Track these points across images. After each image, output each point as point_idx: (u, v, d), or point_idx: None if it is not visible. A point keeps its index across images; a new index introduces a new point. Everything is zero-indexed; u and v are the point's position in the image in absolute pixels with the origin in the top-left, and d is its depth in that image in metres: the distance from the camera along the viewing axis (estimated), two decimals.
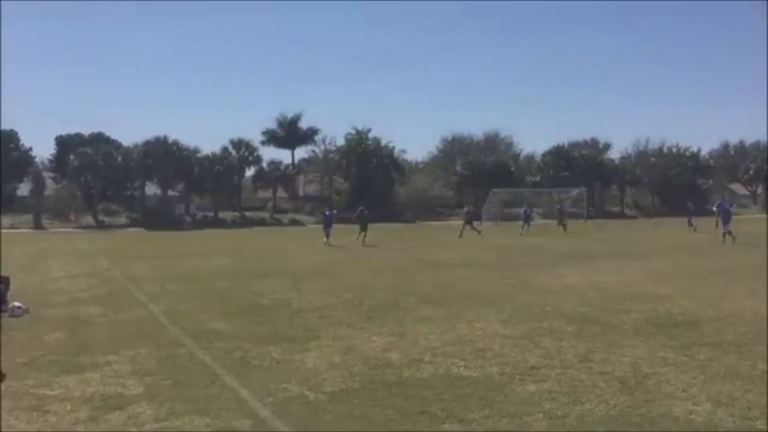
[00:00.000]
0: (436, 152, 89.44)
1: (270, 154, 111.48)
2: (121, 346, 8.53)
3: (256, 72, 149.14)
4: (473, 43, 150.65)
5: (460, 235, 33.84)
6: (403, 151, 74.09)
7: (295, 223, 58.48)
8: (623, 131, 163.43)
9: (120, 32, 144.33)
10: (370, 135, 69.81)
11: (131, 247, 30.10)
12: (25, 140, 70.55)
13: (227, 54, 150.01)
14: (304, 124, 74.95)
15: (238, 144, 68.65)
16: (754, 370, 7.00)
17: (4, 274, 12.05)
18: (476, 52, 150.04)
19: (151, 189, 65.55)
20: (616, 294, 12.65)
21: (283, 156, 77.89)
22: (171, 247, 30.21)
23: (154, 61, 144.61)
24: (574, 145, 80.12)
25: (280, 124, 74.49)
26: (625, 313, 10.57)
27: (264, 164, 70.37)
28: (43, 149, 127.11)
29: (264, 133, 74.16)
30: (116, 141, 71.01)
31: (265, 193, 72.34)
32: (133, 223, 57.50)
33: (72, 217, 56.19)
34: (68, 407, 6.12)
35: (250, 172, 71.12)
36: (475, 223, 36.52)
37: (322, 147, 73.56)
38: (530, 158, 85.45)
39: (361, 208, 32.39)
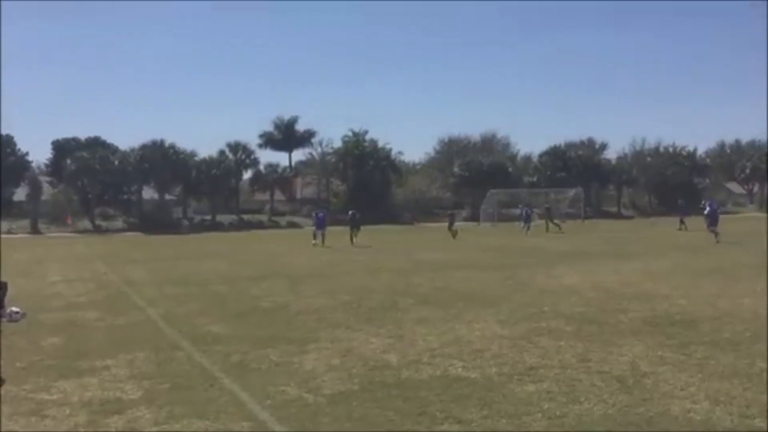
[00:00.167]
0: (433, 153, 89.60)
1: (267, 156, 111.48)
2: (119, 350, 8.52)
3: (252, 75, 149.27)
4: (470, 44, 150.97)
5: (454, 237, 34.01)
6: (400, 152, 74.24)
7: (292, 225, 58.40)
8: (620, 131, 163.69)
9: (116, 35, 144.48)
10: (367, 137, 69.84)
11: (128, 251, 30.06)
12: (22, 145, 70.59)
13: (224, 57, 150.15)
14: (301, 127, 75.06)
15: (235, 147, 68.61)
16: (752, 369, 7.01)
17: (1, 279, 12.02)
18: (473, 53, 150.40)
19: (148, 193, 65.49)
20: (613, 293, 12.67)
21: (281, 159, 78.27)
22: (168, 250, 30.18)
23: (151, 64, 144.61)
24: (571, 146, 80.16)
25: (277, 126, 74.50)
26: (623, 312, 10.58)
27: (261, 167, 70.43)
28: (39, 154, 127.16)
29: (261, 136, 74.25)
30: (113, 145, 70.87)
31: (262, 196, 72.27)
32: (131, 227, 57.41)
33: (69, 221, 56.10)
34: (67, 412, 6.12)
35: (247, 175, 71.14)
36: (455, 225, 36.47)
37: (319, 149, 73.66)
38: (527, 159, 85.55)
39: (352, 211, 33.56)
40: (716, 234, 26.46)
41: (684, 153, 77.60)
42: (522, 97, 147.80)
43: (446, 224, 37.39)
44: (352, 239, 30.38)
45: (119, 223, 59.51)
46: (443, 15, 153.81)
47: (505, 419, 5.64)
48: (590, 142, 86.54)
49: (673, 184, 69.99)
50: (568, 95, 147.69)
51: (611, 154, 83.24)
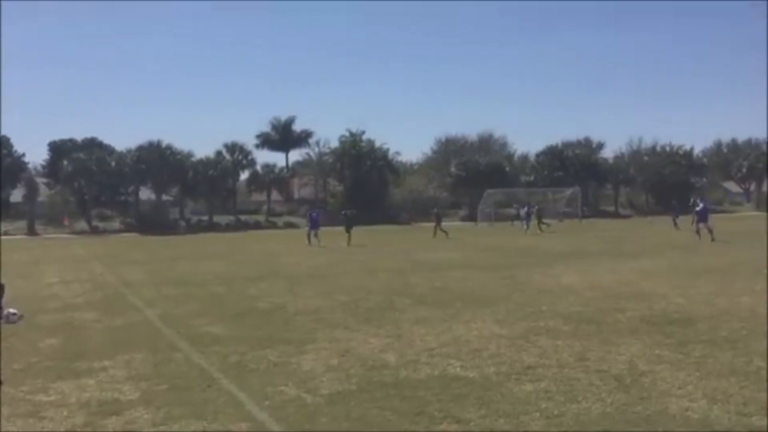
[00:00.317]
0: (430, 153, 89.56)
1: (264, 157, 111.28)
2: (116, 352, 8.51)
3: (249, 75, 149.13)
4: (466, 43, 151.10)
5: (434, 235, 33.93)
6: (397, 152, 74.16)
7: (290, 226, 58.38)
8: (617, 130, 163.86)
9: (113, 36, 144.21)
10: (364, 137, 69.82)
11: (126, 252, 30.02)
12: (18, 146, 70.46)
13: (221, 57, 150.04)
14: (297, 127, 75.03)
15: (232, 148, 68.58)
16: (749, 367, 7.03)
17: None
18: (470, 53, 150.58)
19: (145, 194, 65.40)
20: (611, 293, 12.68)
21: (278, 159, 78.13)
22: (166, 251, 30.15)
23: (148, 64, 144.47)
24: (568, 145, 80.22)
25: (274, 127, 74.47)
26: (621, 311, 10.60)
27: (258, 167, 70.38)
28: (36, 155, 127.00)
29: (258, 137, 74.20)
30: (109, 146, 70.84)
31: (259, 197, 72.20)
32: (128, 228, 57.34)
33: (66, 222, 55.99)
34: (64, 413, 6.11)
35: (244, 175, 71.12)
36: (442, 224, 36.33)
37: (317, 149, 73.66)
38: (524, 158, 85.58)
39: (345, 212, 34.41)
40: (710, 232, 26.52)
41: (681, 152, 77.71)
42: (519, 97, 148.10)
43: (442, 224, 37.23)
44: (348, 240, 30.45)
45: (116, 224, 59.43)
46: (440, 15, 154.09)
47: (503, 418, 5.64)
48: (587, 142, 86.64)
49: (670, 184, 70.09)
50: (565, 94, 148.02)
51: (608, 154, 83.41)
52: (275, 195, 72.73)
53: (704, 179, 78.99)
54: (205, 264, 22.08)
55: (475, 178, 66.15)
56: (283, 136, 74.13)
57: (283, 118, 74.60)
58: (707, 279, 14.48)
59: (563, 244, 27.85)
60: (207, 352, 8.43)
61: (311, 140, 74.44)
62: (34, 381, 7.20)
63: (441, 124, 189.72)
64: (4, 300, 11.57)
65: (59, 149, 72.26)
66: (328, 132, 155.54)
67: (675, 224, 36.06)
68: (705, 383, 6.47)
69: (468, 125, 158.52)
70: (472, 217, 59.43)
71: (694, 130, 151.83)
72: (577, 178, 66.43)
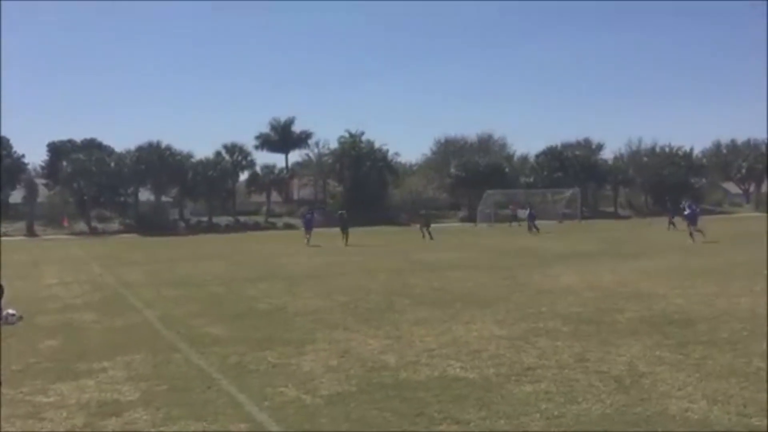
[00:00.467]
0: (429, 154, 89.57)
1: (263, 158, 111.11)
2: (116, 353, 8.50)
3: (248, 76, 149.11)
4: (466, 45, 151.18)
5: (423, 237, 33.71)
6: (396, 153, 74.22)
7: (289, 227, 58.37)
8: (616, 131, 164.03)
9: (112, 37, 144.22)
10: (364, 138, 69.87)
11: (125, 253, 30.02)
12: (18, 147, 70.42)
13: (220, 58, 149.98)
14: (297, 128, 75.01)
15: (232, 148, 68.61)
16: (749, 368, 7.02)
17: None
18: (469, 54, 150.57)
19: (145, 194, 65.39)
20: (610, 293, 12.68)
21: (277, 160, 77.97)
22: (165, 252, 30.14)
23: (147, 65, 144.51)
24: (568, 146, 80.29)
25: (274, 128, 74.45)
26: (620, 312, 10.60)
27: (258, 168, 70.42)
28: (35, 156, 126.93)
29: (257, 138, 74.16)
30: (109, 147, 70.87)
31: (259, 198, 72.24)
32: (127, 229, 57.33)
33: (66, 223, 55.97)
34: (64, 414, 6.10)
35: (243, 176, 71.14)
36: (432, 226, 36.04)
37: (316, 150, 73.74)
38: (524, 159, 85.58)
39: (341, 212, 35.04)
40: (701, 233, 26.78)
41: (680, 153, 77.77)
42: (518, 98, 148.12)
43: (438, 225, 37.38)
44: (344, 240, 30.94)
45: (115, 225, 59.41)
46: (439, 16, 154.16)
47: (503, 419, 5.64)
48: (587, 143, 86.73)
49: (669, 184, 70.14)
50: (565, 96, 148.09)
51: (608, 155, 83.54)
52: (275, 196, 72.78)
53: (704, 180, 79.03)
54: (205, 265, 22.07)
55: (474, 179, 66.19)
56: (282, 137, 74.12)
57: (283, 118, 74.67)
58: (706, 279, 14.48)
59: (562, 244, 27.86)
60: (206, 353, 8.43)
61: (311, 141, 74.58)
62: (34, 382, 7.19)
63: (440, 124, 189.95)
64: (3, 301, 11.56)
65: (59, 150, 72.31)
66: (327, 133, 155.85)
67: (672, 224, 36.10)
68: (705, 384, 6.47)
69: (467, 126, 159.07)
70: (471, 218, 59.43)
71: (694, 130, 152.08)
72: (577, 179, 66.48)
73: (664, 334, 8.79)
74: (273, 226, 59.88)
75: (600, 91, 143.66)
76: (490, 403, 6.06)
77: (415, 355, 7.97)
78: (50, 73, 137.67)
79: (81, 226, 57.49)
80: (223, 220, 62.57)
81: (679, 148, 78.30)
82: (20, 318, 11.19)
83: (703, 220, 27.98)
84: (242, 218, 63.56)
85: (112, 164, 62.53)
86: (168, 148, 64.03)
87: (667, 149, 78.54)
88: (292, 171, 75.57)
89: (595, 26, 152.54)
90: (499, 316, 10.55)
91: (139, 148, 63.36)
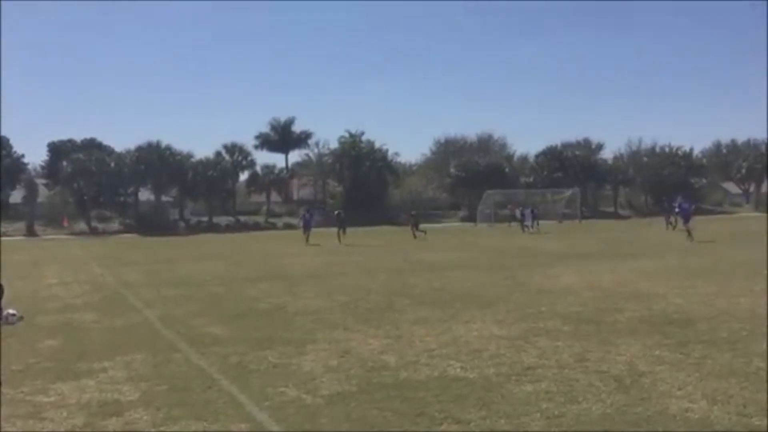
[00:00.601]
0: (429, 154, 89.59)
1: (263, 158, 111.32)
2: (116, 352, 8.51)
3: (248, 76, 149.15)
4: (466, 45, 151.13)
5: (415, 237, 34.18)
6: (396, 153, 74.26)
7: (289, 227, 58.36)
8: (616, 131, 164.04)
9: (111, 37, 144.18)
10: (364, 138, 69.92)
11: (125, 253, 30.02)
12: (18, 147, 70.46)
13: (220, 58, 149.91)
14: (297, 128, 75.06)
15: (232, 148, 68.65)
16: (749, 367, 7.03)
17: None
18: (469, 55, 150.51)
19: (145, 194, 65.41)
20: (610, 293, 12.69)
21: (277, 160, 78.06)
22: (165, 252, 30.15)
23: (147, 65, 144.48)
24: (567, 146, 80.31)
25: (274, 128, 74.48)
26: (620, 312, 10.60)
27: (258, 168, 70.48)
28: (35, 156, 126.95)
29: (257, 137, 74.19)
30: (109, 147, 70.94)
31: (259, 197, 72.28)
32: (127, 229, 57.35)
33: (66, 223, 55.98)
34: (64, 414, 6.10)
35: (243, 176, 71.22)
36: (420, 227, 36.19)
37: (316, 150, 73.77)
38: (524, 159, 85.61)
39: (338, 211, 36.40)
40: (689, 232, 27.01)
41: (680, 153, 77.81)
42: (518, 98, 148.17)
43: (438, 225, 37.68)
44: (339, 239, 31.83)
45: (115, 225, 59.43)
46: (439, 16, 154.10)
47: (504, 419, 5.64)
48: (586, 143, 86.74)
49: (669, 184, 70.13)
50: (565, 95, 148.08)
51: (608, 154, 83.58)
52: (275, 196, 72.82)
53: (704, 180, 79.05)
54: (205, 265, 22.07)
55: (474, 178, 66.23)
56: (282, 137, 74.15)
57: (283, 118, 74.73)
58: (706, 279, 14.48)
59: (562, 244, 27.87)
60: (207, 353, 8.43)
61: (311, 141, 74.63)
62: (34, 382, 7.19)
63: (440, 124, 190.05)
64: (3, 301, 11.57)
65: (59, 150, 72.38)
66: (327, 133, 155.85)
67: (670, 224, 36.11)
68: (705, 384, 6.47)
69: (467, 126, 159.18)
70: (471, 218, 59.44)
71: (694, 130, 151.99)
72: (577, 179, 66.51)
73: (664, 334, 8.79)
74: (273, 226, 59.90)
75: (600, 90, 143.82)
76: (490, 402, 6.06)
77: (416, 355, 7.97)
78: (50, 73, 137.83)
79: (81, 226, 57.51)
80: (223, 220, 62.61)
81: (679, 148, 78.39)
82: (20, 318, 11.19)
83: (697, 220, 28.06)
84: (242, 218, 63.61)
85: (112, 164, 62.58)
86: (168, 148, 64.09)
87: (667, 149, 78.59)
88: (292, 171, 75.60)
89: (595, 26, 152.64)
90: (500, 315, 10.56)
91: (139, 148, 63.41)
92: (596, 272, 16.43)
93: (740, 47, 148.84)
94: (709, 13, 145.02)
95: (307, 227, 33.32)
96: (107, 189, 61.69)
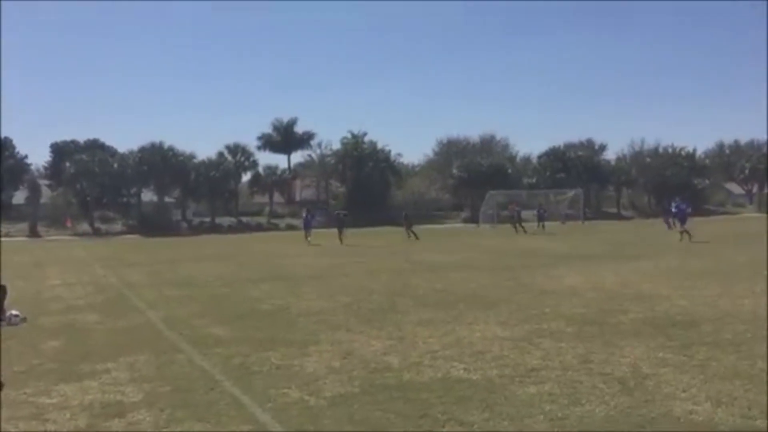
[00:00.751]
0: (432, 155, 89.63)
1: (266, 159, 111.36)
2: (119, 354, 8.51)
3: (251, 77, 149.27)
4: (469, 46, 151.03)
5: (409, 237, 34.84)
6: (399, 154, 74.32)
7: (291, 227, 58.40)
8: (619, 132, 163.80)
9: (115, 38, 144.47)
10: (366, 138, 69.95)
11: (128, 254, 30.06)
12: (21, 148, 70.61)
13: (222, 59, 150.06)
14: (299, 129, 75.15)
15: (234, 149, 68.74)
16: (753, 369, 7.00)
17: (1, 282, 12.00)
18: (472, 55, 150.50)
19: (148, 195, 65.50)
20: (614, 294, 12.66)
21: (280, 161, 78.46)
22: (168, 253, 30.17)
23: (149, 66, 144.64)
24: (570, 147, 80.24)
25: (276, 128, 74.55)
26: (624, 313, 10.58)
27: (260, 169, 70.56)
28: (38, 157, 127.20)
29: (260, 138, 74.30)
30: (112, 147, 71.01)
31: (261, 198, 72.35)
32: (130, 230, 57.44)
33: (69, 224, 56.07)
34: (67, 415, 6.10)
35: (246, 177, 71.31)
36: (413, 227, 36.90)
37: (318, 151, 73.78)
38: (526, 160, 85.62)
39: (337, 212, 37.98)
40: (683, 233, 27.64)
41: (683, 154, 77.73)
42: (521, 98, 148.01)
43: (441, 226, 37.94)
44: (340, 239, 32.72)
45: (118, 226, 59.53)
46: (442, 16, 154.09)
47: (507, 421, 5.63)
48: (589, 143, 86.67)
49: (672, 185, 70.04)
50: (567, 96, 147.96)
51: (610, 155, 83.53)
52: (277, 197, 72.86)
53: (707, 181, 78.93)
54: (207, 266, 22.09)
55: (477, 179, 66.20)
56: (285, 138, 74.22)
57: (285, 119, 74.80)
58: (709, 280, 14.45)
59: (565, 245, 27.83)
60: (210, 354, 8.42)
61: (313, 142, 74.66)
62: (37, 383, 7.19)
63: (443, 125, 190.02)
64: (6, 302, 11.58)
65: (62, 151, 72.46)
66: (330, 133, 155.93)
67: (668, 224, 36.07)
68: (709, 386, 6.45)
69: (470, 127, 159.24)
70: (474, 219, 59.40)
71: (697, 131, 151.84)
72: (580, 180, 66.46)
73: (667, 336, 8.77)
74: (275, 227, 59.95)
75: (603, 91, 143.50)
76: (493, 404, 6.05)
77: (419, 357, 7.96)
78: (54, 74, 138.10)
79: (84, 226, 57.59)
80: (225, 220, 62.68)
81: (682, 149, 78.30)
82: (23, 319, 11.20)
83: (699, 221, 28.25)
84: (245, 219, 63.69)
85: (115, 165, 62.70)
86: (171, 148, 64.19)
87: (670, 150, 78.52)
88: (295, 172, 75.66)
89: (598, 27, 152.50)
90: (503, 317, 10.54)
91: (142, 149, 63.52)
92: (599, 273, 16.40)
93: (743, 47, 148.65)
94: (710, 13, 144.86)
95: (307, 227, 34.62)
96: (110, 190, 61.82)
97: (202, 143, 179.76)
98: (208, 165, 64.69)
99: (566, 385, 6.57)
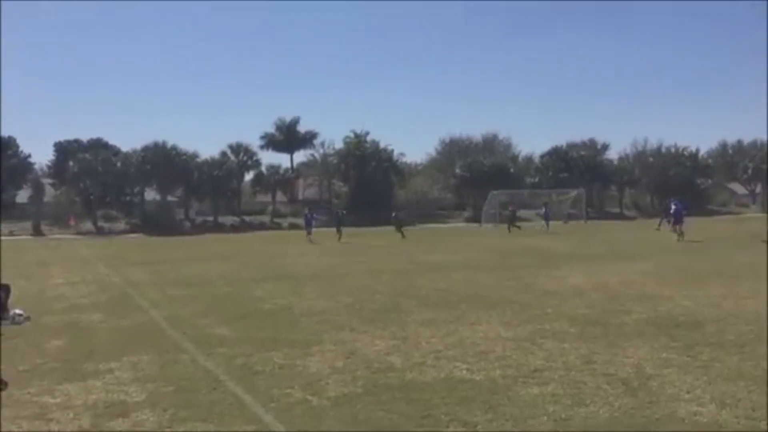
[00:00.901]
0: (434, 154, 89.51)
1: (269, 158, 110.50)
2: (122, 353, 8.52)
3: (254, 76, 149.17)
4: (471, 45, 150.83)
5: (403, 236, 35.43)
6: (401, 153, 74.04)
7: (294, 227, 58.33)
8: (621, 132, 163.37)
9: (118, 37, 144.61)
10: (369, 138, 69.84)
11: (131, 253, 30.08)
12: (24, 147, 70.73)
13: (225, 58, 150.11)
14: (302, 128, 74.98)
15: (237, 148, 68.70)
16: (756, 370, 6.99)
17: (4, 281, 12.03)
18: (474, 55, 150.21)
19: (151, 194, 65.53)
20: (617, 295, 12.65)
21: (282, 160, 78.25)
22: (171, 252, 30.18)
23: (152, 65, 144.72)
24: (573, 146, 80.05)
25: (279, 128, 74.46)
26: (627, 314, 10.57)
27: (263, 168, 70.45)
28: (41, 155, 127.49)
29: (262, 138, 74.16)
30: (115, 147, 71.01)
31: (264, 198, 72.30)
32: (133, 229, 57.42)
33: (72, 223, 56.12)
34: (71, 415, 6.11)
35: (249, 176, 71.19)
36: (404, 228, 37.59)
37: (321, 151, 73.63)
38: (529, 159, 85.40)
39: (337, 211, 40.04)
40: (680, 233, 28.01)
41: (686, 153, 77.48)
42: (523, 98, 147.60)
43: (443, 225, 38.36)
44: (339, 237, 34.41)
45: (121, 225, 59.50)
46: (444, 16, 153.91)
47: (510, 422, 5.62)
48: (592, 143, 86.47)
49: (675, 185, 69.85)
50: (570, 96, 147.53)
51: (613, 155, 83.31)
52: (280, 196, 72.79)
53: (710, 181, 78.72)
54: (210, 265, 22.10)
55: (479, 179, 66.05)
56: (287, 137, 74.11)
57: (288, 119, 74.62)
58: (712, 281, 14.43)
59: (568, 245, 27.80)
60: (213, 354, 8.43)
61: (316, 141, 74.48)
62: (41, 382, 7.21)
63: (445, 125, 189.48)
64: (10, 301, 11.60)
65: (65, 150, 72.55)
66: (332, 133, 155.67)
67: (670, 226, 36.03)
68: (713, 387, 6.44)
69: (472, 126, 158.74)
70: (476, 219, 59.31)
71: (699, 131, 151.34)
72: (582, 180, 66.29)
73: (671, 337, 8.76)
74: (278, 227, 59.90)
75: (605, 91, 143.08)
76: (497, 405, 6.05)
77: (422, 357, 7.96)
78: (57, 74, 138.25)
79: (87, 225, 57.63)
80: (228, 220, 62.65)
81: (684, 149, 78.04)
82: (27, 318, 11.23)
83: (698, 221, 28.37)
84: (247, 218, 63.63)
85: (119, 164, 62.69)
86: (174, 148, 64.12)
87: (672, 149, 78.27)
88: (298, 171, 75.56)
89: (600, 27, 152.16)
90: (506, 317, 10.53)
91: (145, 148, 63.48)
92: (602, 273, 16.38)
93: (745, 47, 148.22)
94: (710, 13, 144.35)
95: (308, 226, 36.44)
96: (113, 189, 61.79)
97: (205, 142, 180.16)
98: (211, 164, 64.63)
99: (570, 386, 6.57)
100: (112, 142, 73.65)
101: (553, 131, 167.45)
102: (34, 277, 19.14)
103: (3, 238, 43.36)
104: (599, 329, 9.37)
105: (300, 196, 76.80)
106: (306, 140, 74.94)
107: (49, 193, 63.67)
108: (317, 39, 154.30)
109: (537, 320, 10.18)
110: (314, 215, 40.18)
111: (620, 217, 67.89)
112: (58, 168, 71.65)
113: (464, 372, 7.24)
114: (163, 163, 61.91)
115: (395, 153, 70.44)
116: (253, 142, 72.35)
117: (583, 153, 75.99)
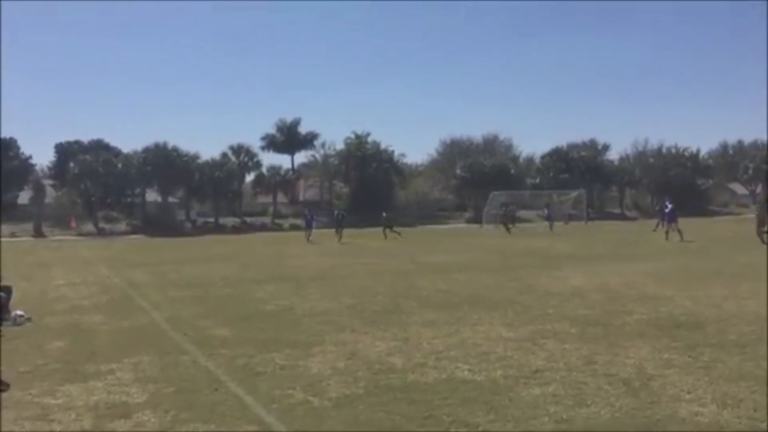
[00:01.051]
0: (435, 155, 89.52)
1: (270, 159, 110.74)
2: (124, 354, 8.52)
3: (255, 77, 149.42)
4: (472, 46, 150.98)
5: (396, 236, 36.10)
6: (402, 154, 74.10)
7: (295, 228, 58.34)
8: (622, 132, 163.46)
9: (119, 38, 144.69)
10: (370, 139, 69.90)
11: (132, 254, 30.10)
12: (25, 148, 70.77)
13: (226, 60, 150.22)
14: (303, 129, 74.99)
15: (238, 149, 68.78)
16: (758, 371, 6.99)
17: (5, 282, 12.04)
18: (475, 56, 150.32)
19: (152, 195, 65.57)
20: (618, 295, 12.64)
21: (283, 161, 78.17)
22: (172, 253, 30.20)
23: (153, 67, 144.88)
24: (573, 147, 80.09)
25: (280, 129, 74.46)
26: (628, 314, 10.56)
27: (264, 169, 70.53)
28: (42, 157, 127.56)
29: (263, 139, 74.16)
30: (116, 148, 71.10)
31: (265, 199, 72.36)
32: (134, 230, 57.45)
33: (73, 224, 56.14)
34: (72, 416, 6.12)
35: (250, 177, 71.28)
36: (396, 228, 38.01)
37: (322, 152, 73.68)
38: (530, 160, 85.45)
39: (337, 212, 40.32)
40: (679, 232, 28.61)
41: (686, 154, 77.47)
42: (524, 99, 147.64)
43: (444, 226, 38.51)
44: (339, 238, 34.92)
45: (122, 226, 59.54)
46: (445, 17, 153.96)
47: (512, 423, 5.62)
48: (593, 144, 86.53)
49: (675, 185, 69.82)
50: (570, 96, 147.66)
51: (614, 156, 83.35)
52: (281, 197, 72.85)
53: (710, 181, 78.68)
54: (212, 266, 22.11)
55: (480, 180, 66.04)
56: (288, 138, 74.10)
57: (289, 120, 74.63)
58: (713, 281, 14.42)
59: (569, 246, 27.80)
60: (214, 355, 8.44)
61: (317, 142, 74.51)
62: (42, 383, 7.21)
63: (446, 125, 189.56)
64: (11, 302, 11.61)
65: (66, 151, 72.65)
66: (333, 134, 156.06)
67: (670, 227, 36.04)
68: (714, 387, 6.44)
69: (473, 127, 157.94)
70: (477, 220, 59.32)
71: (700, 131, 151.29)
72: (583, 180, 66.32)
73: (672, 337, 8.76)
74: (279, 227, 59.95)
75: (606, 92, 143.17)
76: (498, 406, 6.05)
77: (423, 358, 7.96)
78: (57, 74, 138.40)
79: (88, 226, 57.65)
80: (229, 221, 62.70)
81: (685, 149, 78.06)
82: (28, 319, 11.23)
83: (696, 222, 28.51)
84: (248, 219, 63.67)
85: (119, 165, 62.74)
86: (174, 149, 64.16)
87: (673, 150, 78.29)
88: (298, 172, 75.59)
89: (601, 27, 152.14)
90: (507, 318, 10.54)
91: (146, 149, 63.52)
92: (603, 274, 16.38)
93: (745, 48, 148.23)
94: (710, 13, 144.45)
95: (308, 227, 37.00)
96: (114, 190, 61.83)
97: (205, 144, 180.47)
98: (212, 165, 64.69)
99: (571, 387, 6.57)
100: (113, 143, 73.86)
101: (553, 132, 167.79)
102: (36, 278, 19.15)
103: (4, 239, 43.36)
104: (600, 330, 9.37)
105: (301, 197, 76.82)
106: (307, 141, 74.95)
107: (50, 194, 63.71)
108: (318, 40, 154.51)
109: (538, 321, 10.18)
110: (314, 216, 40.26)
111: (621, 217, 67.90)
112: (59, 169, 71.72)
113: (466, 373, 7.24)
114: (164, 164, 61.94)
115: (396, 154, 70.57)
116: (254, 143, 72.48)
117: (583, 154, 76.01)
